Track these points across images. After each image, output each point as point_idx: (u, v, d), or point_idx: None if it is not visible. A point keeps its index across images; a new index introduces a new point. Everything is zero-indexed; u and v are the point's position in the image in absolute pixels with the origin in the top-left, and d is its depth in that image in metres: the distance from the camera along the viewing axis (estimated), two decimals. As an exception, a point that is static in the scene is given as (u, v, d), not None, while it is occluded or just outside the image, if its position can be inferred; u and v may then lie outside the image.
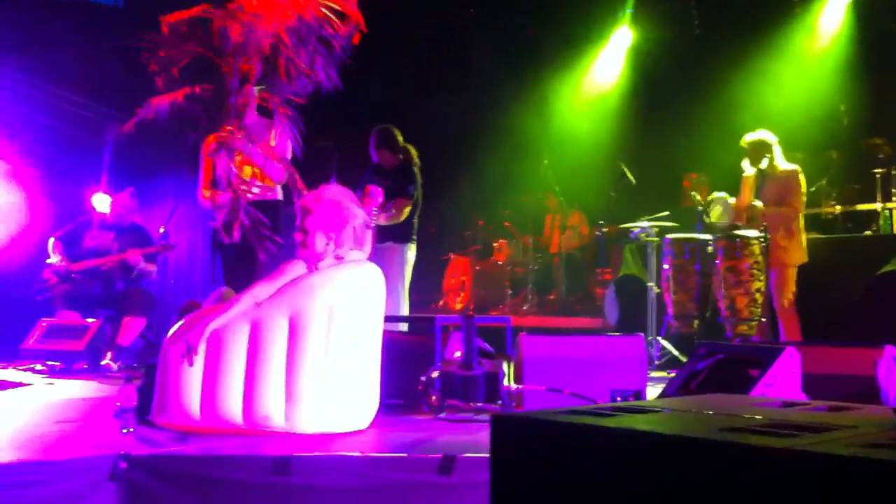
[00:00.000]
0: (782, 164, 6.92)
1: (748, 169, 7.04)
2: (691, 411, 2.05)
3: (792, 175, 6.88)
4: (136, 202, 7.66)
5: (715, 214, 7.07)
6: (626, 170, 8.42)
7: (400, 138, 6.96)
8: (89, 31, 9.08)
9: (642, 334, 4.95)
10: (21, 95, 8.60)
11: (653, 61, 10.44)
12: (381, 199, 4.74)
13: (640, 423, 1.84)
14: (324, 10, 5.12)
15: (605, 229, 8.97)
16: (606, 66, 11.10)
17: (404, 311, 6.73)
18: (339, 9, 5.20)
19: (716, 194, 7.15)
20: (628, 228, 8.17)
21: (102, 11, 9.68)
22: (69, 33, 8.81)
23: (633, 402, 2.99)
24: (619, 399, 4.20)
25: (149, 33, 5.12)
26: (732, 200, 7.05)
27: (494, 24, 11.01)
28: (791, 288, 6.80)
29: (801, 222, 6.91)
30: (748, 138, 6.99)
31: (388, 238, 6.68)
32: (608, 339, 4.96)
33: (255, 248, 5.28)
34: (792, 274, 6.82)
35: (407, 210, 6.73)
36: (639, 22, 10.63)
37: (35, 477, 2.95)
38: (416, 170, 6.89)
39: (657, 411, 2.05)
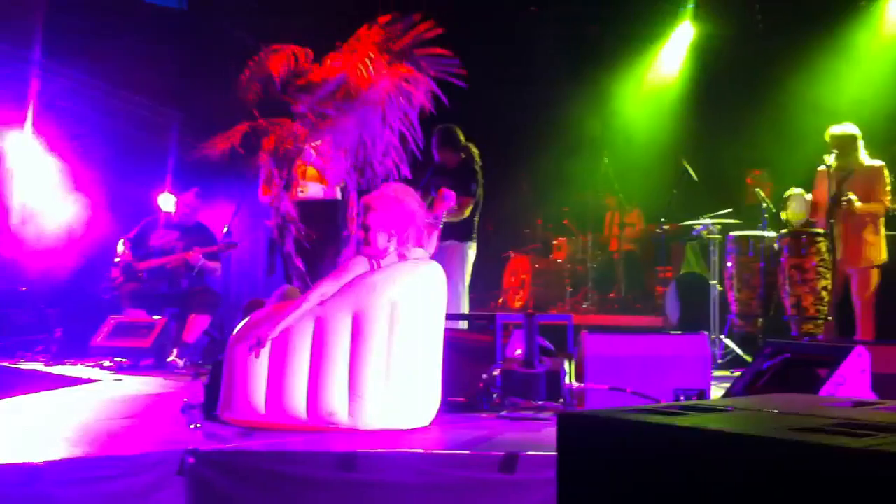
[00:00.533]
0: (867, 159, 6.70)
1: (831, 161, 6.82)
2: (761, 411, 2.02)
3: (878, 170, 6.66)
4: (201, 201, 7.78)
5: (791, 211, 6.90)
6: (688, 167, 8.32)
7: (462, 137, 6.94)
8: (154, 32, 9.23)
9: (706, 333, 4.88)
10: (85, 97, 8.77)
11: (715, 57, 10.31)
12: (453, 203, 4.72)
13: (710, 421, 1.82)
14: (403, 99, 5.14)
15: (665, 226, 8.88)
16: (668, 61, 10.98)
17: (464, 309, 6.73)
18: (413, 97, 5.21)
19: (793, 190, 6.95)
20: (690, 226, 8.08)
21: (166, 14, 9.83)
22: (133, 35, 8.95)
23: (699, 401, 2.96)
24: (682, 398, 4.15)
25: (254, 58, 5.18)
26: (809, 196, 6.87)
27: (555, 21, 10.94)
28: (874, 286, 6.62)
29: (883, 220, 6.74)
30: (834, 131, 6.72)
31: (449, 236, 6.65)
32: (671, 338, 4.90)
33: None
34: (876, 273, 6.63)
35: (469, 209, 6.72)
36: (701, 17, 10.50)
37: (105, 472, 3.00)
38: (478, 168, 6.87)
39: (725, 410, 2.03)
